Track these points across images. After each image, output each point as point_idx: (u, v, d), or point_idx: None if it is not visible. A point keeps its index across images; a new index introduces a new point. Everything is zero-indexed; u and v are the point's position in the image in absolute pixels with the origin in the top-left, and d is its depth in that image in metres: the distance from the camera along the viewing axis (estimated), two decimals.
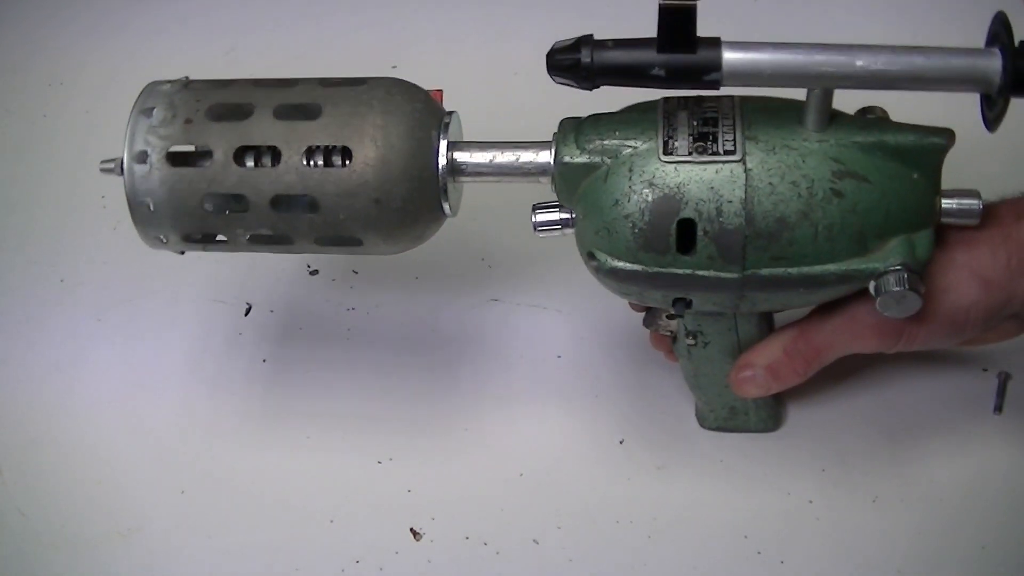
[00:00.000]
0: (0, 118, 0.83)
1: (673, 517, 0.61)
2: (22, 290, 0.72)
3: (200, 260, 0.73)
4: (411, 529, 0.61)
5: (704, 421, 0.64)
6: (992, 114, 0.49)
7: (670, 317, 0.60)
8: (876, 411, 0.64)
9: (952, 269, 0.54)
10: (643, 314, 0.61)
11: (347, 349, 0.69)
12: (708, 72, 0.48)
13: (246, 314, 0.71)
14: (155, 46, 0.87)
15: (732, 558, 0.59)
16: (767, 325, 0.59)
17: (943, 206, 0.53)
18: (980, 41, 0.50)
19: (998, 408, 0.64)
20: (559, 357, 0.68)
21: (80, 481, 0.63)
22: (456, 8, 0.89)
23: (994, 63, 0.48)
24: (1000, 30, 0.49)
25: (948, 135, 0.52)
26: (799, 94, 0.51)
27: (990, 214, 0.54)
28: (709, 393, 0.62)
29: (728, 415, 0.63)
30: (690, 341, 0.59)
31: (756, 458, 0.63)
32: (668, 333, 0.61)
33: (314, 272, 0.73)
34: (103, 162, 0.55)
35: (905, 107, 0.54)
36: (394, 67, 0.80)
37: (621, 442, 0.64)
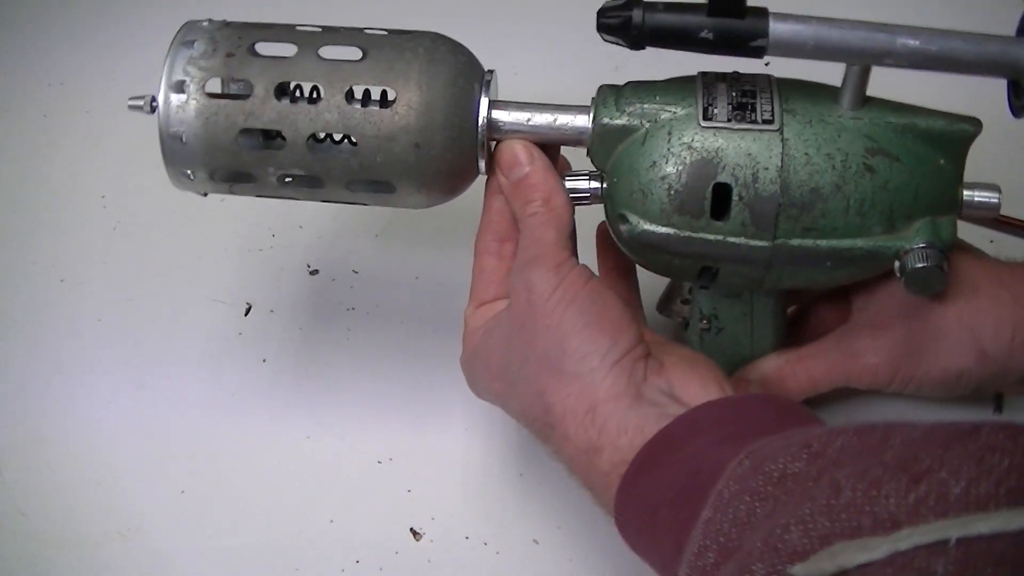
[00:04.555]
0: (0, 118, 0.83)
1: None
2: (22, 290, 0.72)
3: (200, 259, 0.74)
4: (411, 529, 0.61)
5: None
6: (1020, 102, 0.51)
7: (684, 302, 0.60)
8: (876, 411, 0.64)
9: (956, 330, 0.54)
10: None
11: (347, 349, 0.69)
12: (754, 38, 0.49)
13: (246, 314, 0.71)
14: (155, 47, 0.86)
15: None
16: (781, 316, 0.59)
17: (964, 197, 0.54)
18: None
19: (998, 408, 0.63)
20: None
21: (80, 481, 0.63)
22: (457, 6, 0.89)
23: None
24: None
25: (975, 123, 0.53)
26: (835, 75, 0.52)
27: (1004, 282, 0.55)
28: None
29: None
30: (703, 325, 0.59)
31: None
32: (681, 319, 0.61)
33: (314, 272, 0.73)
34: (132, 98, 0.54)
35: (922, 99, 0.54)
36: None
37: None
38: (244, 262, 0.73)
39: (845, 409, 0.63)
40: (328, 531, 0.61)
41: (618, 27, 0.50)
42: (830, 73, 0.53)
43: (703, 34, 0.49)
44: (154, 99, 0.53)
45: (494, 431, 0.64)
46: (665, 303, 0.61)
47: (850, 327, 0.58)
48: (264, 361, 0.68)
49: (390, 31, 0.55)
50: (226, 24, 0.55)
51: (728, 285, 0.56)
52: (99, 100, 0.83)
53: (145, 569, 0.60)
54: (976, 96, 0.54)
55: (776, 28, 0.49)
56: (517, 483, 0.62)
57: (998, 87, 0.52)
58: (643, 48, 0.50)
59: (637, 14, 0.49)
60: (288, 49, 0.54)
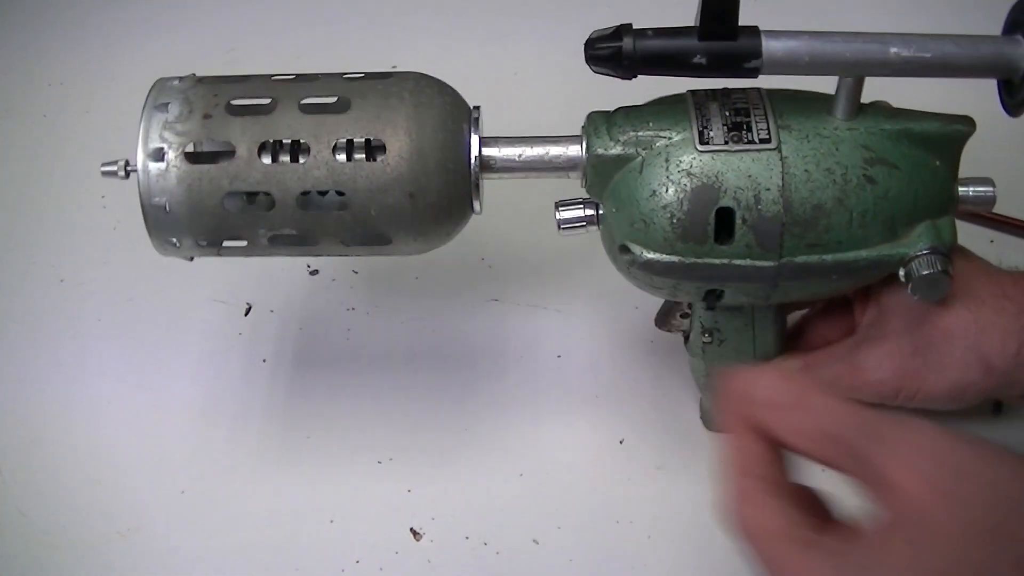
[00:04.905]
0: (0, 118, 0.83)
1: (673, 517, 0.61)
2: (22, 290, 0.72)
3: (201, 260, 0.73)
4: (411, 529, 0.61)
5: (710, 423, 0.64)
6: (1014, 100, 0.50)
7: (683, 316, 0.60)
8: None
9: (961, 348, 0.54)
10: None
11: (347, 349, 0.69)
12: (749, 59, 0.48)
13: (246, 314, 0.71)
14: (155, 46, 0.87)
15: (732, 558, 0.59)
16: (782, 324, 0.59)
17: (960, 193, 0.54)
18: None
19: (998, 408, 0.63)
20: (559, 357, 0.68)
21: (80, 481, 0.63)
22: (455, 7, 0.89)
23: (1020, 50, 0.49)
24: (1020, 18, 0.50)
25: (969, 123, 0.53)
26: (825, 85, 0.52)
27: (1008, 294, 0.54)
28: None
29: None
30: (706, 339, 0.59)
31: None
32: (681, 332, 0.61)
33: (314, 272, 0.73)
34: (104, 164, 0.52)
35: (911, 100, 0.54)
36: (394, 66, 0.80)
37: (621, 442, 0.64)
38: (244, 262, 0.73)
39: None
40: (328, 531, 0.61)
41: (609, 58, 0.49)
42: (818, 80, 0.53)
43: (696, 59, 0.48)
44: (128, 163, 0.51)
45: (494, 431, 0.64)
46: (664, 318, 0.61)
47: (857, 341, 0.58)
48: (264, 361, 0.68)
49: (367, 74, 0.53)
50: (199, 81, 0.53)
51: (733, 303, 0.56)
52: (99, 100, 0.83)
53: (145, 569, 0.60)
54: (970, 93, 0.54)
55: (770, 47, 0.48)
56: (517, 483, 0.62)
57: (991, 84, 0.52)
58: (635, 77, 0.49)
59: (628, 42, 0.48)
60: (266, 102, 0.52)
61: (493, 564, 0.59)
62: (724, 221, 0.51)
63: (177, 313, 0.71)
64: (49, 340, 0.70)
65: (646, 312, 0.64)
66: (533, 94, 0.81)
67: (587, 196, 0.54)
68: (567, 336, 0.69)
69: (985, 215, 0.70)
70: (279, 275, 0.73)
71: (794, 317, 0.64)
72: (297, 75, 0.54)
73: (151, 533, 0.61)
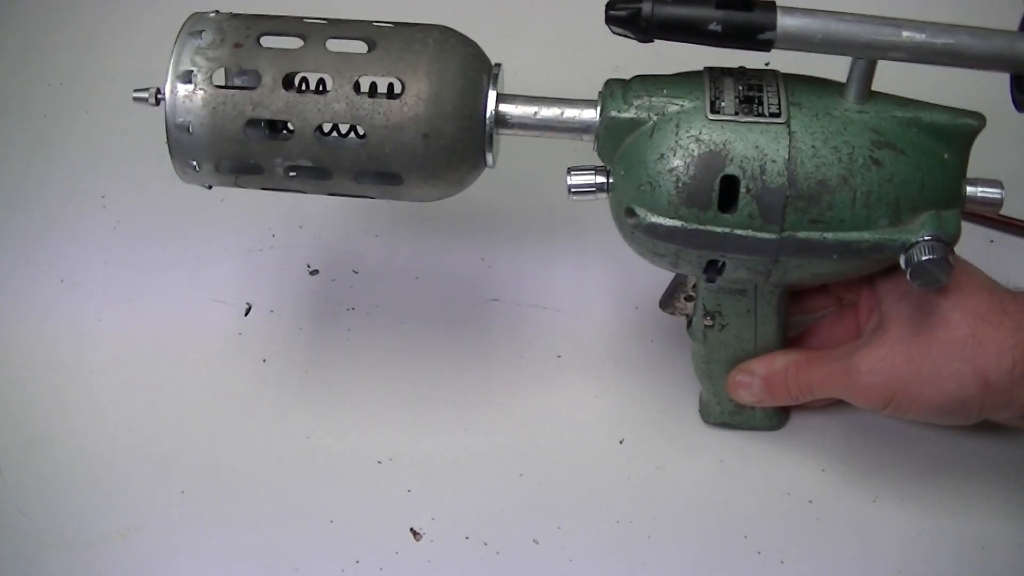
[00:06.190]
0: (0, 118, 0.83)
1: (673, 517, 0.61)
2: (22, 290, 0.72)
3: (200, 259, 0.74)
4: (411, 529, 0.61)
5: (709, 415, 0.64)
6: (1023, 96, 0.51)
7: (687, 299, 0.60)
8: (875, 420, 0.64)
9: (958, 360, 0.54)
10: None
11: (347, 349, 0.69)
12: (763, 31, 0.49)
13: (246, 314, 0.71)
14: (155, 46, 0.86)
15: (732, 558, 0.59)
16: (785, 312, 0.60)
17: (967, 192, 0.54)
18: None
19: None
20: (559, 357, 0.68)
21: (80, 481, 0.63)
22: (454, 4, 0.89)
23: None
24: None
25: (979, 118, 0.53)
26: (839, 69, 0.52)
27: (1008, 311, 0.54)
28: (719, 383, 0.62)
29: (735, 408, 0.63)
30: (707, 322, 0.59)
31: (756, 458, 0.63)
32: (684, 316, 0.61)
33: (314, 272, 0.73)
34: (137, 90, 0.55)
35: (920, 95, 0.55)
36: None
37: (621, 442, 0.64)
38: (244, 262, 0.73)
39: (846, 416, 0.63)
40: (328, 531, 0.61)
41: (627, 19, 0.50)
42: (832, 69, 0.53)
43: (712, 26, 0.49)
44: (159, 91, 0.54)
45: (494, 431, 0.65)
46: (668, 300, 0.62)
47: (856, 345, 0.58)
48: (264, 361, 0.68)
49: (396, 23, 0.55)
50: (233, 16, 0.56)
51: (734, 279, 0.56)
52: (99, 100, 0.83)
53: (145, 569, 0.60)
54: (979, 91, 0.54)
55: (784, 21, 0.49)
56: (517, 483, 0.63)
57: (1001, 82, 0.52)
58: (651, 41, 0.50)
59: (647, 6, 0.50)
60: (295, 41, 0.54)
61: (493, 564, 0.59)
62: (728, 190, 0.52)
63: (177, 313, 0.71)
64: (49, 340, 0.70)
65: (646, 312, 0.64)
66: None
67: (599, 164, 0.55)
68: (567, 336, 0.69)
69: (989, 216, 0.70)
70: (279, 275, 0.73)
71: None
72: (328, 18, 0.56)
73: (151, 533, 0.61)
